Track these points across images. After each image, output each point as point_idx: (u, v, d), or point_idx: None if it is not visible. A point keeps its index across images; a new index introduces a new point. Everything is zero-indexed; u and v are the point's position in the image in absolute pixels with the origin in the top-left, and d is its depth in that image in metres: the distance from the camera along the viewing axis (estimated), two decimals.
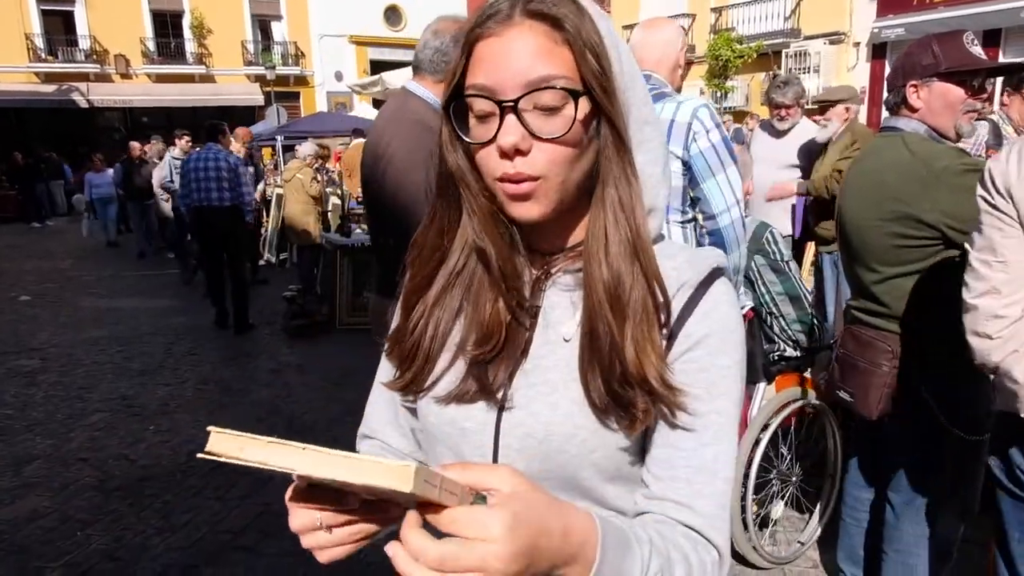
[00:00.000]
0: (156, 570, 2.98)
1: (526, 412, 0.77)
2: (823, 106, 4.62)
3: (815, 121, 4.73)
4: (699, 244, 2.31)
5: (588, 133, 0.74)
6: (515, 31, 0.71)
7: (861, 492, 2.34)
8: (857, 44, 17.91)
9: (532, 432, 0.76)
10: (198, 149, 7.30)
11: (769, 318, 2.84)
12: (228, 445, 0.60)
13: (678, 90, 2.42)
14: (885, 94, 2.17)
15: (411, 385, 0.84)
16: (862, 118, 12.37)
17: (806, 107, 5.02)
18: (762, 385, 2.84)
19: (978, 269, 1.50)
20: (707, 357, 0.76)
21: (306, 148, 8.31)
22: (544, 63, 0.71)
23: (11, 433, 4.49)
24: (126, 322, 7.34)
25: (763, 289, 2.83)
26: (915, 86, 1.97)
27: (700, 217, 2.30)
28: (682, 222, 2.31)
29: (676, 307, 0.77)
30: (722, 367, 0.76)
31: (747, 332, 2.69)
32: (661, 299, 0.75)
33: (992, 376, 1.52)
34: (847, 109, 4.49)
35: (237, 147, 7.13)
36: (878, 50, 17.60)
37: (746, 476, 2.65)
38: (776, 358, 2.87)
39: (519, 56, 0.71)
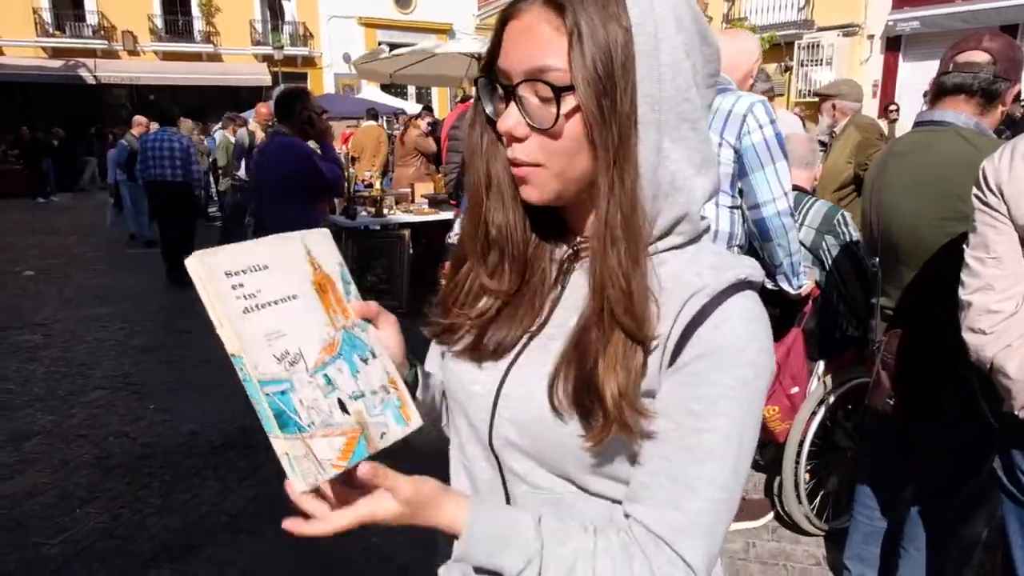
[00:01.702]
0: (154, 549, 2.95)
1: (524, 390, 0.78)
2: (822, 99, 4.56)
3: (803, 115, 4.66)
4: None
5: (585, 129, 0.70)
6: (530, 15, 0.71)
7: (876, 491, 2.29)
8: (871, 37, 17.71)
9: (526, 408, 0.77)
10: (157, 131, 8.16)
11: (835, 297, 2.91)
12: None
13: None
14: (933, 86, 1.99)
15: (443, 339, 0.87)
16: (873, 112, 12.23)
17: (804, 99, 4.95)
18: (822, 361, 3.01)
19: (972, 266, 1.51)
20: (710, 372, 0.70)
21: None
22: (544, 52, 0.69)
23: (12, 408, 4.47)
24: (129, 299, 7.32)
25: (832, 268, 2.91)
26: (1013, 87, 1.89)
27: (745, 205, 2.40)
28: (731, 207, 2.42)
29: (688, 312, 0.71)
30: (725, 385, 0.70)
31: (812, 310, 2.91)
32: (639, 320, 0.70)
33: (988, 373, 1.50)
34: (833, 106, 4.43)
35: (256, 125, 7.05)
36: (892, 43, 17.40)
37: (800, 446, 2.83)
38: (840, 336, 2.93)
39: (525, 42, 0.71)
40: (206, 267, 0.67)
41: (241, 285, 0.68)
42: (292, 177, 3.88)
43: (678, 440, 0.71)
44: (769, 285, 2.54)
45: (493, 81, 0.76)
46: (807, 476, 2.96)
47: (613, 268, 0.70)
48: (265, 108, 7.44)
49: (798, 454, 2.85)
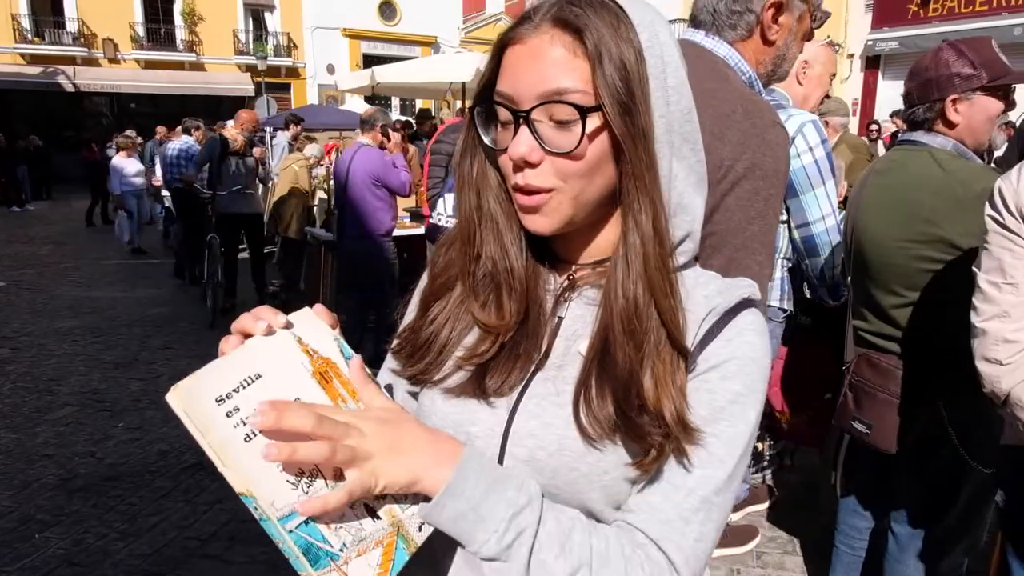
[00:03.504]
0: None
1: (539, 422, 0.74)
2: None
3: None
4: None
5: (605, 150, 0.70)
6: (538, 40, 0.69)
7: (858, 520, 2.24)
8: (851, 56, 17.98)
9: (544, 444, 0.73)
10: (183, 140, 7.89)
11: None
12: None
13: (812, 108, 2.62)
14: (887, 109, 2.03)
15: (421, 375, 0.82)
16: (853, 129, 12.39)
17: None
18: None
19: (987, 291, 1.43)
20: (719, 380, 0.72)
21: (311, 149, 8.16)
22: (560, 75, 0.68)
23: None
24: (102, 312, 7.16)
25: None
26: (955, 100, 1.84)
27: (792, 223, 2.37)
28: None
29: (700, 333, 0.74)
30: (732, 392, 0.72)
31: None
32: (677, 337, 0.71)
33: (1000, 407, 1.44)
34: (826, 123, 4.44)
35: (235, 132, 6.86)
36: (871, 62, 17.68)
37: None
38: None
39: (537, 66, 0.69)
40: (192, 398, 0.60)
41: (236, 409, 0.61)
42: (372, 178, 4.94)
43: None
44: (807, 294, 2.58)
45: (493, 108, 0.73)
46: None
47: (655, 281, 0.71)
48: (247, 115, 7.27)
49: None
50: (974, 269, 1.48)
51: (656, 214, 0.71)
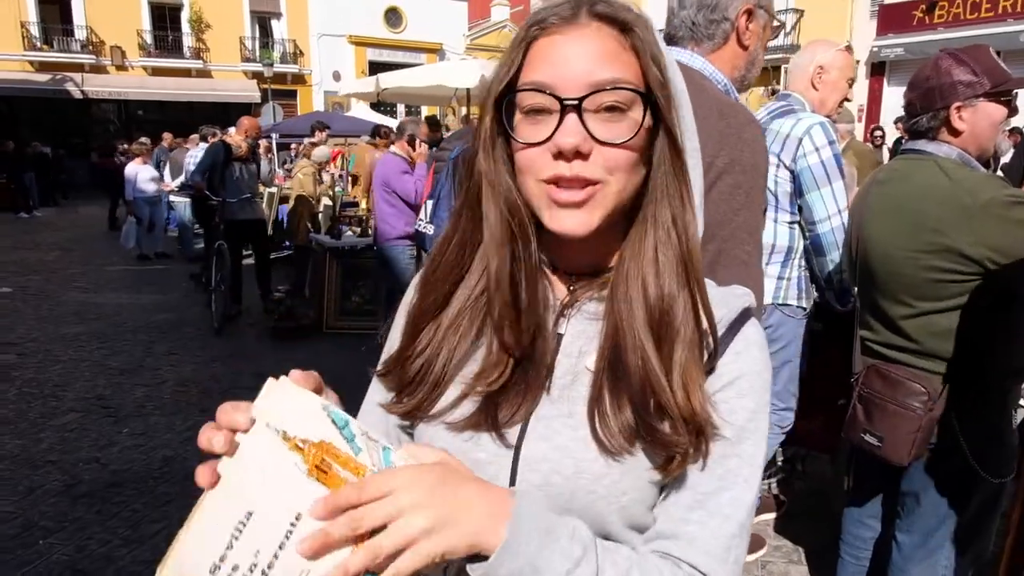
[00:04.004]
0: None
1: (551, 445, 0.71)
2: None
3: None
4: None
5: (646, 144, 0.71)
6: (581, 31, 0.69)
7: (862, 530, 2.22)
8: (857, 62, 17.96)
9: (559, 468, 0.70)
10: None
11: None
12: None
13: (827, 115, 2.64)
14: (890, 117, 2.03)
15: (415, 411, 0.77)
16: (858, 136, 12.36)
17: None
18: None
19: None
20: (736, 399, 0.72)
21: (319, 153, 8.16)
22: (611, 66, 0.68)
23: None
24: (108, 318, 7.18)
25: None
26: (959, 107, 1.83)
27: (803, 222, 2.56)
28: (789, 223, 2.58)
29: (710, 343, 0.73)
30: (749, 410, 0.72)
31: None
32: (711, 333, 0.71)
33: None
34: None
35: (239, 139, 6.89)
36: (877, 68, 17.67)
37: None
38: None
39: (586, 56, 0.68)
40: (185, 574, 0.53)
41: (235, 568, 0.55)
42: (384, 184, 5.24)
43: (709, 470, 0.70)
44: (816, 298, 2.67)
45: (518, 100, 0.70)
46: None
47: (691, 270, 0.71)
48: (249, 121, 7.30)
49: None
50: None
51: (691, 210, 0.73)
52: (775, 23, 1.70)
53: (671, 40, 1.70)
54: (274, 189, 9.36)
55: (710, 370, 0.72)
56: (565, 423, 0.72)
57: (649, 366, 0.68)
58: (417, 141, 5.44)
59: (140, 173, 10.65)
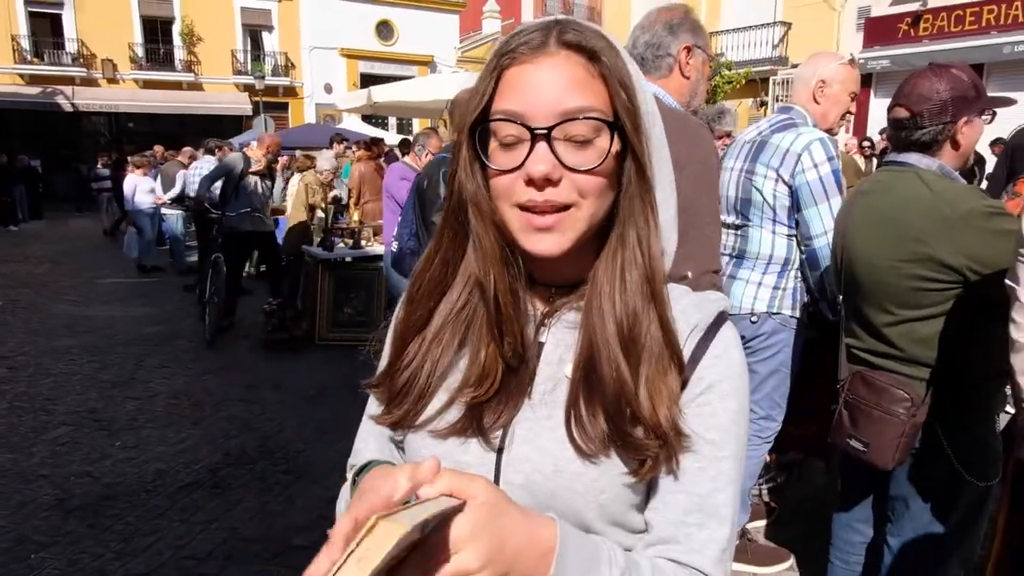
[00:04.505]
0: None
1: (532, 447, 0.75)
2: None
3: None
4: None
5: (616, 168, 0.74)
6: (551, 60, 0.71)
7: (852, 535, 2.25)
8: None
9: (539, 468, 0.74)
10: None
11: None
12: None
13: (828, 130, 2.72)
14: (874, 128, 2.06)
15: (403, 421, 0.81)
16: (842, 144, 12.47)
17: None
18: None
19: None
20: (718, 402, 0.75)
21: (324, 163, 8.13)
22: (579, 94, 0.70)
23: None
24: (99, 331, 7.15)
25: None
26: (966, 122, 1.86)
27: (799, 236, 2.62)
28: (787, 235, 2.65)
29: (688, 350, 0.76)
30: (732, 411, 0.76)
31: None
32: (675, 344, 0.74)
33: None
34: None
35: (259, 153, 6.97)
36: (864, 80, 17.82)
37: None
38: None
39: (554, 85, 0.70)
40: None
41: None
42: (387, 192, 5.35)
43: (702, 472, 0.74)
44: (810, 308, 2.71)
45: (487, 134, 0.73)
46: None
47: (656, 291, 0.75)
48: (271, 139, 7.42)
49: None
50: (1009, 283, 1.49)
51: (654, 230, 0.76)
52: (712, 63, 2.07)
53: None
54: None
55: (686, 378, 0.75)
56: (545, 426, 0.75)
57: (622, 377, 0.72)
58: (425, 152, 5.51)
59: (140, 185, 10.66)
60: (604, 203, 0.74)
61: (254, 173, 6.75)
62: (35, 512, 3.51)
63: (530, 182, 0.70)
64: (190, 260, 10.37)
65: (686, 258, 1.92)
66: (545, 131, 0.69)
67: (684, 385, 0.75)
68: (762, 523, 3.27)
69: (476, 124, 0.74)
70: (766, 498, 3.43)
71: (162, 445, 4.31)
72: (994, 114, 1.89)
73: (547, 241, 0.72)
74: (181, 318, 7.66)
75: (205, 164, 8.36)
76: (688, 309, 0.79)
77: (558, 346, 0.79)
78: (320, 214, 8.28)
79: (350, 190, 8.50)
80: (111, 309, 8.17)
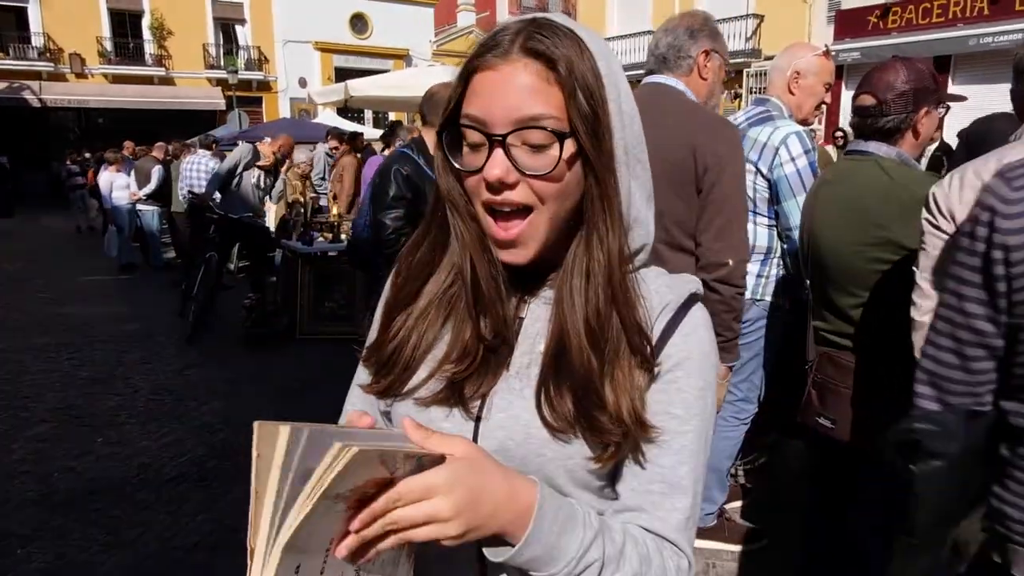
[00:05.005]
0: None
1: (507, 415, 0.79)
2: None
3: None
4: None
5: (576, 172, 0.76)
6: (511, 67, 0.73)
7: (822, 520, 2.33)
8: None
9: (512, 435, 0.78)
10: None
11: None
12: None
13: (803, 120, 2.83)
14: (848, 116, 2.14)
15: (389, 389, 0.85)
16: (818, 138, 12.68)
17: None
18: None
19: (925, 288, 1.56)
20: (685, 379, 0.80)
21: (300, 154, 8.15)
22: (534, 102, 0.72)
23: None
24: (77, 329, 7.09)
25: None
26: (927, 112, 1.95)
27: (780, 228, 2.71)
28: (768, 225, 2.75)
29: (658, 328, 0.80)
30: (697, 388, 0.80)
31: None
32: (640, 342, 0.78)
33: None
34: None
35: (269, 150, 6.98)
36: (835, 72, 18.11)
37: None
38: None
39: (511, 93, 0.73)
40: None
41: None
42: (365, 184, 5.20)
43: (666, 445, 0.78)
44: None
45: (460, 133, 0.77)
46: None
47: (618, 294, 0.78)
48: (285, 139, 7.58)
49: None
50: (914, 268, 1.60)
51: (619, 232, 0.78)
52: (728, 68, 2.28)
53: (648, 70, 2.32)
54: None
55: (654, 355, 0.79)
56: (519, 396, 0.80)
57: (589, 367, 0.76)
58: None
59: (116, 181, 10.57)
60: (566, 204, 0.77)
61: (259, 167, 6.78)
62: (19, 507, 3.50)
63: (489, 186, 0.74)
64: (166, 256, 10.27)
65: (728, 249, 2.11)
66: (500, 138, 0.72)
67: (654, 361, 0.79)
68: (739, 503, 3.36)
69: (444, 127, 0.78)
70: (742, 480, 3.53)
71: (145, 440, 4.31)
72: (948, 107, 1.99)
73: (512, 254, 0.78)
74: (160, 315, 7.61)
75: (202, 159, 8.26)
76: (661, 289, 0.83)
77: (536, 322, 0.83)
78: (299, 208, 8.26)
79: (332, 184, 8.52)
80: (88, 306, 8.09)
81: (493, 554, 0.70)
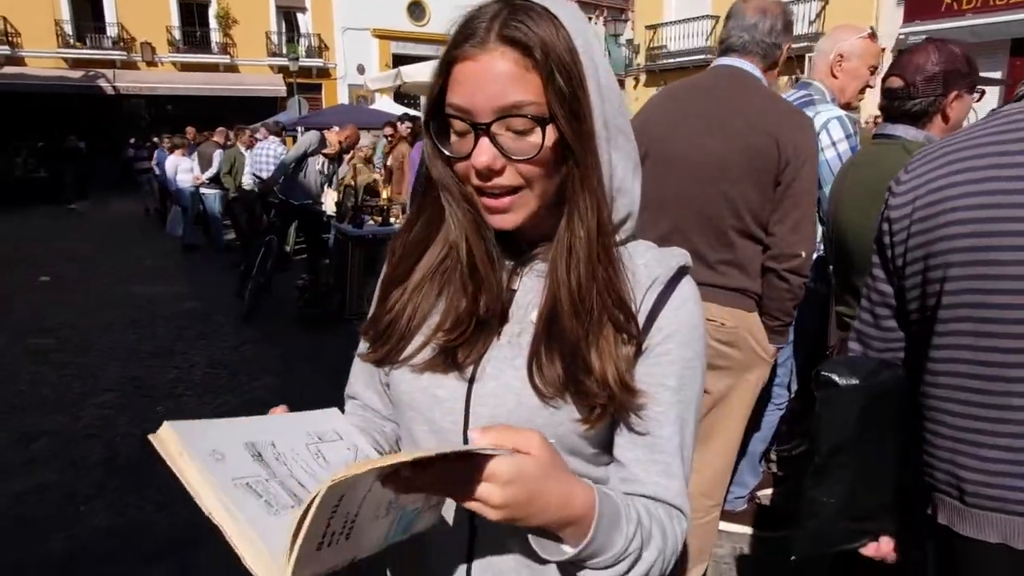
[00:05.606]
0: (158, 545, 3.05)
1: (498, 383, 0.83)
2: None
3: None
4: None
5: (559, 151, 0.78)
6: (489, 56, 0.75)
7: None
8: (884, 49, 17.69)
9: (503, 402, 0.82)
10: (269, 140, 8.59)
11: None
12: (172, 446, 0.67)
13: (846, 104, 2.80)
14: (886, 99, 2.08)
15: (385, 358, 0.90)
16: None
17: None
18: None
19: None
20: (677, 350, 0.83)
21: (363, 138, 8.41)
22: (514, 89, 0.74)
23: (22, 410, 4.60)
24: (141, 306, 7.46)
25: None
26: (957, 96, 1.91)
27: (821, 213, 2.59)
28: None
29: (649, 301, 0.83)
30: (688, 359, 0.84)
31: None
32: (623, 312, 0.81)
33: None
34: None
35: (336, 139, 7.25)
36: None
37: None
38: None
39: (491, 81, 0.74)
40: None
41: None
42: (413, 166, 5.49)
43: (663, 415, 0.82)
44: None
45: (447, 121, 0.79)
46: None
47: (598, 269, 0.80)
48: (352, 130, 7.86)
49: None
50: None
51: (600, 207, 0.80)
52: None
53: (727, 50, 2.26)
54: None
55: (647, 327, 0.82)
56: (510, 364, 0.83)
57: (577, 334, 0.80)
58: None
59: (180, 165, 11.15)
60: (553, 182, 0.80)
61: (324, 155, 6.98)
62: (85, 469, 3.76)
63: (478, 172, 0.78)
64: (227, 238, 10.67)
65: (802, 241, 2.13)
66: (485, 126, 0.75)
67: (646, 334, 0.82)
68: (770, 491, 3.36)
69: (430, 116, 0.82)
70: (775, 469, 3.51)
71: (201, 411, 4.54)
72: (983, 92, 1.94)
73: (501, 220, 0.81)
74: (219, 295, 7.93)
75: (271, 145, 8.54)
76: (651, 263, 0.85)
77: (527, 293, 0.86)
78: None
79: (389, 169, 8.71)
80: (152, 285, 8.49)
81: (544, 551, 0.74)
